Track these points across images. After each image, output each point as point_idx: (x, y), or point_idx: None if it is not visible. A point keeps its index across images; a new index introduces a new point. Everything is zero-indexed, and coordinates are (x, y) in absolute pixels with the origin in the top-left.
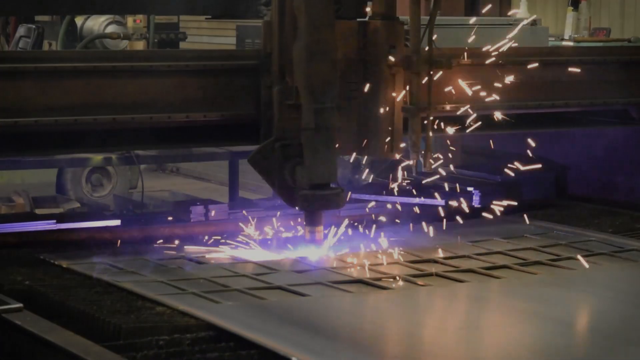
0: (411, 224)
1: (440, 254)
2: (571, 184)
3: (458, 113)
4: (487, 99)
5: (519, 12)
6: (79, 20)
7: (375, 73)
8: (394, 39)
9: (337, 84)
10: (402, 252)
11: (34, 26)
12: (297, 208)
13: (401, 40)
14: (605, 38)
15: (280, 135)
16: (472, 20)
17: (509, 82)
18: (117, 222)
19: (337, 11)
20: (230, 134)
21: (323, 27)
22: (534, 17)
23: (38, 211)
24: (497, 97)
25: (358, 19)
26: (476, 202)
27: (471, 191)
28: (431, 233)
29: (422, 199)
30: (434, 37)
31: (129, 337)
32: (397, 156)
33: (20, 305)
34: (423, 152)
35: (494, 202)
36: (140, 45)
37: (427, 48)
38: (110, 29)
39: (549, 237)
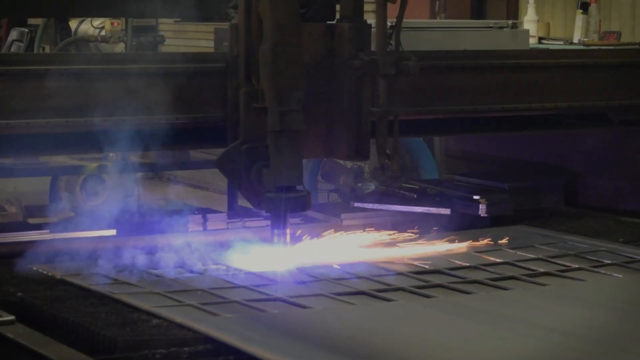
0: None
1: (446, 264)
2: (580, 192)
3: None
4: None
5: (527, 15)
6: (73, 24)
7: (342, 76)
8: (360, 41)
9: (303, 86)
10: (406, 263)
11: (26, 30)
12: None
13: (368, 43)
14: (615, 42)
15: (246, 138)
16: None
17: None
18: (112, 232)
19: (305, 14)
20: (198, 136)
21: (288, 29)
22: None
23: (31, 220)
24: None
25: (328, 22)
26: (483, 210)
27: (478, 199)
28: (437, 243)
29: (427, 207)
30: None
31: (125, 351)
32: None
33: (12, 317)
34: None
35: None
36: (119, 49)
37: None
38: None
39: (557, 247)
